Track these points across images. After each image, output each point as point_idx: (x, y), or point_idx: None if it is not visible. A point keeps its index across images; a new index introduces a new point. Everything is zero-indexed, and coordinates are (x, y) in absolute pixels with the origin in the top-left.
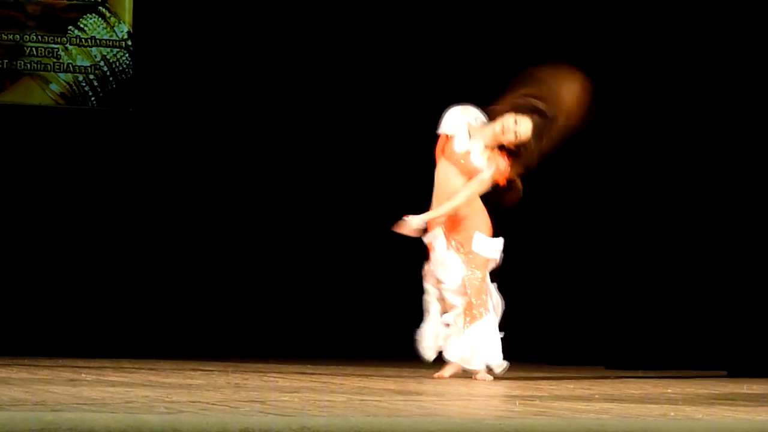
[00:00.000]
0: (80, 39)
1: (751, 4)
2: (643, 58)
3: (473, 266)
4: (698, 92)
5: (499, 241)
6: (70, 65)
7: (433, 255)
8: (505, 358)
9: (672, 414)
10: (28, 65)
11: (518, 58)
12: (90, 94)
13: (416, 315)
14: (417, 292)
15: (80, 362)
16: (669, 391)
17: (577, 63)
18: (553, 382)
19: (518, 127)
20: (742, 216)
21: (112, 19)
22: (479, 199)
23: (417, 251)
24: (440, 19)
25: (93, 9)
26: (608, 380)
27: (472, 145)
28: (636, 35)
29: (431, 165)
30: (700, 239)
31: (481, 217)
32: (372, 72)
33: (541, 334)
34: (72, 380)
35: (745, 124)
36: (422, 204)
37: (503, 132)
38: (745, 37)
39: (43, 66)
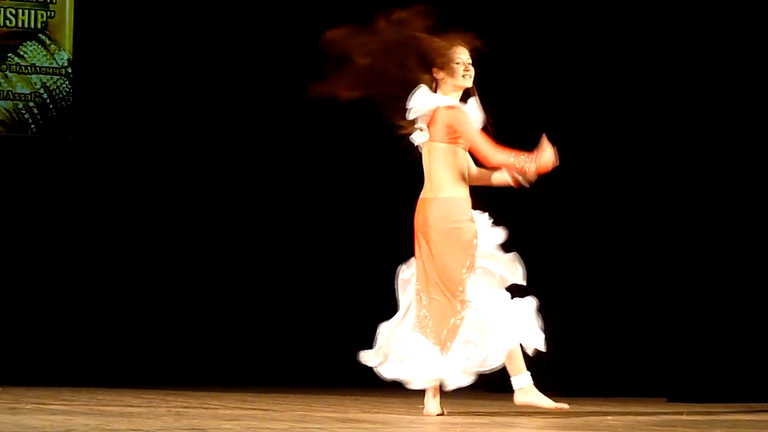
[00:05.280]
0: (20, 66)
1: (751, 4)
2: (647, 60)
3: None
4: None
5: None
6: (10, 92)
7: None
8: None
9: None
10: None
11: (515, 60)
12: (30, 121)
13: (359, 341)
14: (358, 317)
15: (20, 390)
16: (609, 418)
17: (578, 63)
18: (495, 410)
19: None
20: (676, 242)
21: (53, 47)
22: None
23: (352, 277)
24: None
25: (33, 36)
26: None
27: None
28: (638, 34)
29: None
30: (638, 265)
31: None
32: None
33: None
34: (12, 408)
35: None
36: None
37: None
38: (745, 37)
39: None
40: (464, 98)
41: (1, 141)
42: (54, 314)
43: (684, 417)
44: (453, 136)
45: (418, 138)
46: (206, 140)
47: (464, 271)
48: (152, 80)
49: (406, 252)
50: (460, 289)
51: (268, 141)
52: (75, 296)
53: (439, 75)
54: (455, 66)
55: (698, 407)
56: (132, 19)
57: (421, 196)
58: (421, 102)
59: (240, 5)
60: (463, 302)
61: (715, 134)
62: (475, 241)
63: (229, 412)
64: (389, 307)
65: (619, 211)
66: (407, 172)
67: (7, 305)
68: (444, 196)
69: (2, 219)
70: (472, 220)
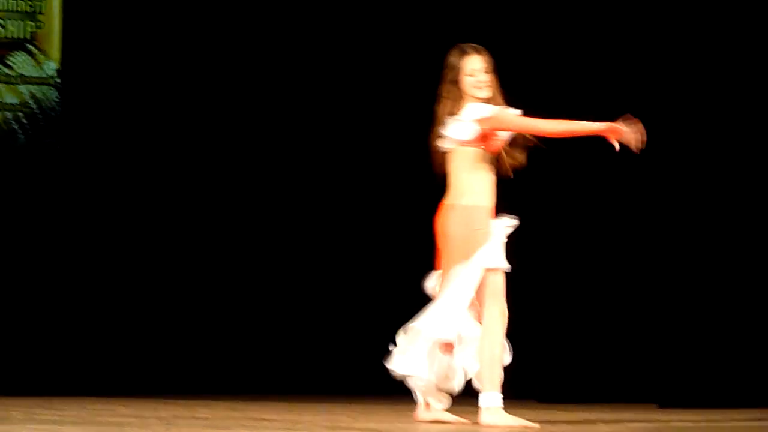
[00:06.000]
0: (8, 76)
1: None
2: (643, 58)
3: None
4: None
5: None
6: None
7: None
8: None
9: None
10: None
11: (513, 59)
12: (18, 131)
13: (347, 349)
14: (347, 325)
15: (10, 400)
16: (600, 424)
17: (578, 62)
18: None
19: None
20: (665, 245)
21: (41, 57)
22: None
23: (340, 286)
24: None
25: (21, 46)
26: (539, 414)
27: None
28: (641, 34)
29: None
30: (627, 270)
31: None
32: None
33: None
34: (2, 418)
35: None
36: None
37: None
38: (745, 37)
39: None
40: None
41: None
42: (44, 323)
43: (674, 423)
44: (490, 134)
45: (445, 144)
46: (197, 147)
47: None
48: (140, 89)
49: (397, 261)
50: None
51: (266, 145)
52: (65, 305)
53: (450, 93)
54: (468, 79)
55: (689, 413)
56: (120, 29)
57: (444, 201)
58: (457, 131)
59: (227, 13)
60: None
61: (712, 140)
62: (481, 247)
63: (219, 421)
64: (379, 315)
65: (608, 215)
66: (410, 179)
67: None
68: (463, 204)
69: None
70: (489, 230)
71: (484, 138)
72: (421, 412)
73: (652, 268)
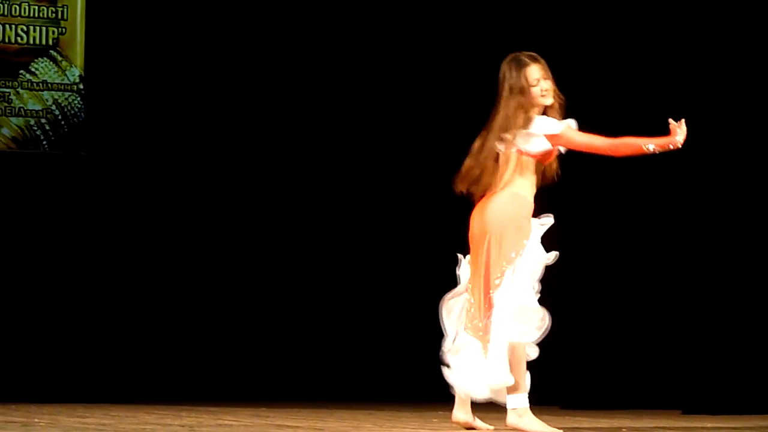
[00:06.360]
0: (32, 83)
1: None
2: (654, 61)
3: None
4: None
5: None
6: (22, 109)
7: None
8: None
9: None
10: None
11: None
12: (42, 138)
13: (370, 354)
14: (368, 332)
15: (33, 407)
16: (623, 430)
17: (589, 63)
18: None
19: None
20: (690, 251)
21: (64, 63)
22: None
23: (362, 293)
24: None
25: (44, 53)
26: (563, 420)
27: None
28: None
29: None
30: (650, 275)
31: None
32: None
33: None
34: (25, 425)
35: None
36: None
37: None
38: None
39: None
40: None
41: (13, 157)
42: (66, 330)
43: (699, 430)
44: (554, 149)
45: (510, 149)
46: (218, 157)
47: (505, 264)
48: (163, 96)
49: (420, 268)
50: (497, 282)
51: (282, 157)
52: (88, 312)
53: (514, 104)
54: (532, 90)
55: (713, 419)
56: (143, 36)
57: (489, 193)
58: (526, 143)
59: (251, 21)
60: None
61: (751, 150)
62: (525, 241)
63: (243, 427)
64: (399, 322)
65: (631, 220)
66: (430, 180)
67: (20, 321)
68: (512, 191)
69: (15, 236)
70: (529, 220)
71: (548, 153)
72: (457, 413)
73: (675, 274)
